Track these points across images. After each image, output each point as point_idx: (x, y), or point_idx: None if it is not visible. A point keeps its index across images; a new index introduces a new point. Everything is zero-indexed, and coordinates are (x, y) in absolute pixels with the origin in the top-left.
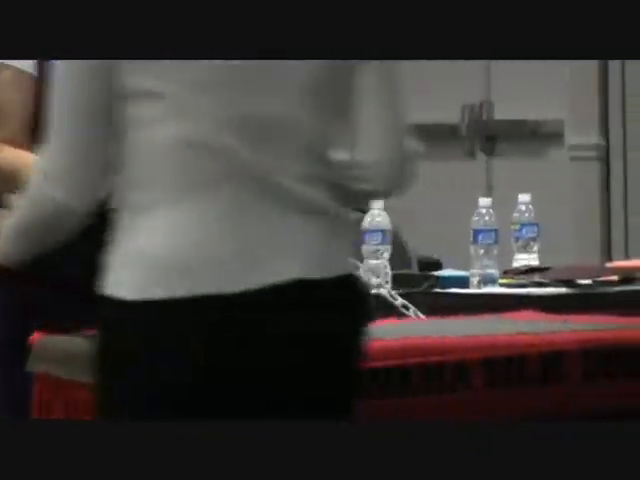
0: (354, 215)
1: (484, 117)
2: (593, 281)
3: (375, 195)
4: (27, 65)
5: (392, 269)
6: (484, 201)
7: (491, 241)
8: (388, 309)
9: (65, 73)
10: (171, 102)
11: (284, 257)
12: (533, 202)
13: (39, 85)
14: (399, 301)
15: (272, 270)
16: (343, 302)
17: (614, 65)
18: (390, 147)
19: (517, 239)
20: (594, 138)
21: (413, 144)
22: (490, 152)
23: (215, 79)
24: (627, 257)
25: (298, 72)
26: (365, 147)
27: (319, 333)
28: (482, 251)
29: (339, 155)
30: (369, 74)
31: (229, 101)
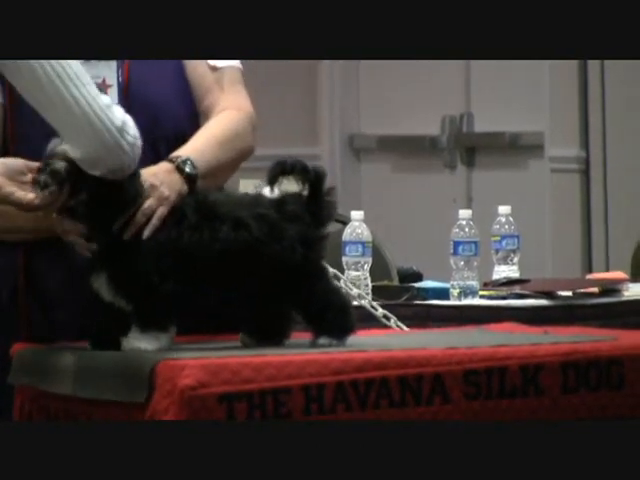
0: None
1: (464, 129)
2: (573, 293)
3: None
4: None
5: (372, 280)
6: (464, 213)
7: (471, 253)
8: (369, 320)
9: None
10: None
11: None
12: (513, 214)
13: (6, 110)
14: (380, 312)
15: None
16: None
17: (594, 76)
18: None
19: (497, 251)
20: (574, 150)
21: None
22: (470, 164)
23: None
24: (607, 269)
25: None
26: None
27: None
28: (462, 263)
29: None
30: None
31: None
